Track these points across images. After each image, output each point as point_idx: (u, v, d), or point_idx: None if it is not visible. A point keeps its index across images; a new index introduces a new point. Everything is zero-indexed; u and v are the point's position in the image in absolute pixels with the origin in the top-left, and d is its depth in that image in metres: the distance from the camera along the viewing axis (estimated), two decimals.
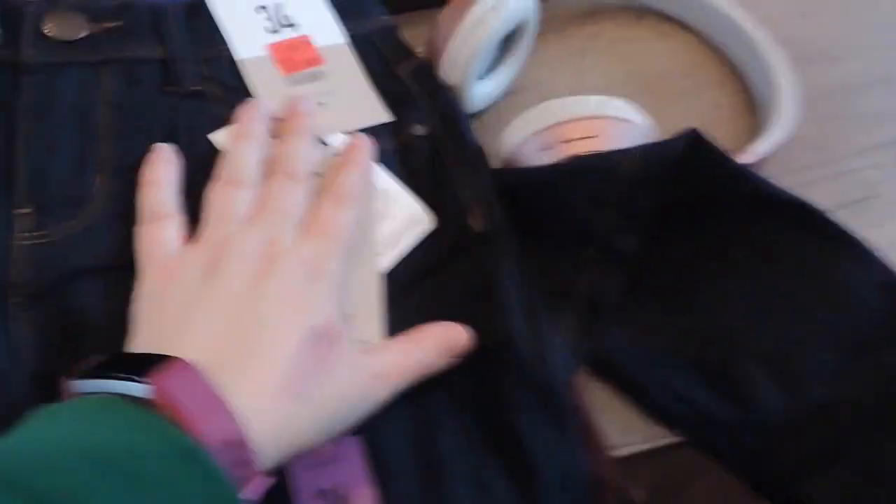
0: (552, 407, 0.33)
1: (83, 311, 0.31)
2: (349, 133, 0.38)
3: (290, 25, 0.40)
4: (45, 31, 0.37)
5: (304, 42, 0.40)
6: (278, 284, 0.29)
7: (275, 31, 0.40)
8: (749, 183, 0.37)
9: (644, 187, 0.35)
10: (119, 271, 0.32)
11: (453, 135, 0.39)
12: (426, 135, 0.39)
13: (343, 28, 0.42)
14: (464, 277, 0.35)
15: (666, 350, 0.37)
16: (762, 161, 0.41)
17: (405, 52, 0.43)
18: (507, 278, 0.35)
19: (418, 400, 0.32)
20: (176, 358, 0.25)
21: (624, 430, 0.35)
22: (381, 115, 0.39)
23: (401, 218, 0.36)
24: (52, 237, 0.33)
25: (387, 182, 0.37)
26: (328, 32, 0.41)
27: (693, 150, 0.35)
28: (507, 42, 0.46)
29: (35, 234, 0.33)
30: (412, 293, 0.35)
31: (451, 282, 0.35)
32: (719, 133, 0.45)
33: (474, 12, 0.41)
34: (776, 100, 0.43)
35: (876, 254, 0.37)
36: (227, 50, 0.39)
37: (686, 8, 0.50)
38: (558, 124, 0.37)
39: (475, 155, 0.38)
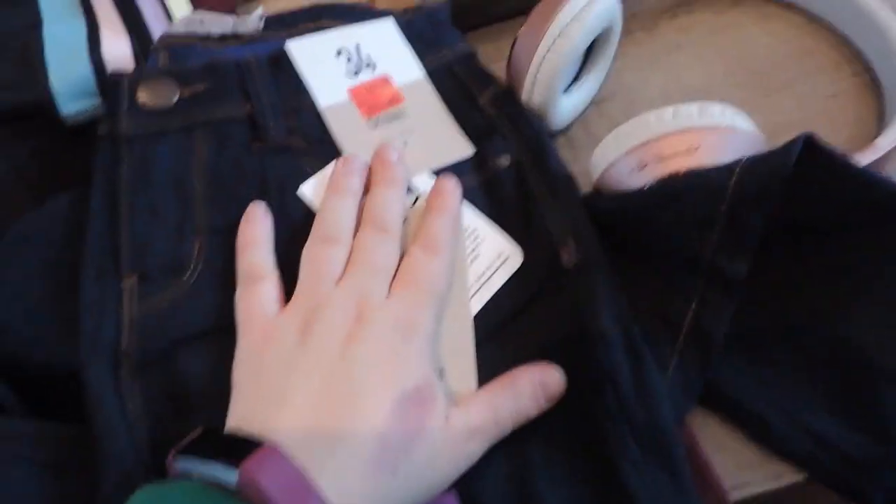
0: (662, 453, 0.30)
1: (190, 378, 0.32)
2: (434, 171, 0.38)
3: (370, 66, 0.40)
4: (139, 100, 0.38)
5: (383, 81, 0.40)
6: (369, 346, 0.29)
7: (355, 74, 0.40)
8: (877, 189, 0.32)
9: (753, 205, 0.32)
10: (221, 334, 0.33)
11: (540, 164, 0.37)
12: (511, 165, 0.38)
13: (420, 63, 0.41)
14: (558, 315, 0.34)
15: (789, 378, 0.33)
16: (890, 156, 0.37)
17: (486, 78, 0.41)
18: (606, 313, 0.33)
19: (514, 447, 0.31)
20: (266, 442, 0.25)
21: (742, 469, 0.32)
22: (464, 149, 0.39)
23: (490, 256, 0.35)
24: (157, 305, 0.34)
25: (473, 219, 0.36)
26: (407, 69, 0.41)
27: (808, 159, 0.32)
28: (592, 49, 0.44)
29: (141, 302, 0.34)
30: (502, 335, 0.34)
31: (545, 320, 0.34)
32: (837, 125, 0.41)
33: (555, 26, 0.39)
34: None
35: None
36: (310, 99, 0.39)
37: None
38: (653, 140, 0.34)
39: (564, 184, 0.37)
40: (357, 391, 0.28)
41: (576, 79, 0.44)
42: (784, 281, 0.35)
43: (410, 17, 0.43)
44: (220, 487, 0.24)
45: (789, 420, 0.33)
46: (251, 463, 0.24)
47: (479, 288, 0.34)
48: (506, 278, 0.35)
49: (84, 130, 0.41)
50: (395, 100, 0.40)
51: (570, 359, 0.32)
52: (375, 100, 0.39)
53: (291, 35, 0.42)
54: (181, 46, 0.42)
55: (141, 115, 0.38)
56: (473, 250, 0.35)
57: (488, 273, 0.35)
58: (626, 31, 0.47)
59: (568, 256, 0.35)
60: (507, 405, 0.30)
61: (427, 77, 0.41)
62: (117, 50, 0.42)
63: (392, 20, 0.42)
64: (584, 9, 0.39)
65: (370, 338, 0.29)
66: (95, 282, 0.34)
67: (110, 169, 0.37)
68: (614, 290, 0.33)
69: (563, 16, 0.39)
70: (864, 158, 0.36)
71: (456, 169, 0.38)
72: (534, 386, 0.31)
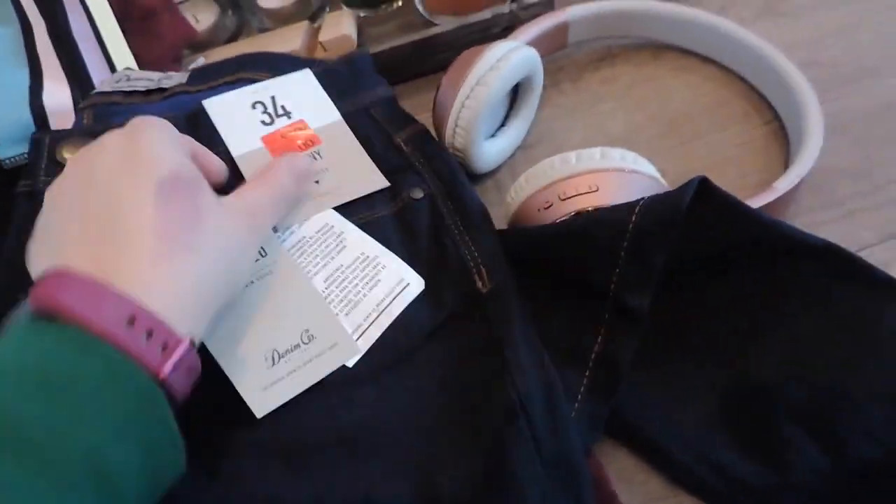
0: (569, 482, 0.30)
1: None
2: (346, 203, 0.39)
3: (285, 115, 0.41)
4: (59, 158, 0.38)
5: (298, 126, 0.41)
6: (107, 162, 0.30)
7: (270, 123, 0.41)
8: (766, 229, 0.34)
9: (653, 242, 0.33)
10: None
11: (453, 198, 0.39)
12: (424, 197, 0.39)
13: (335, 109, 0.42)
14: (471, 342, 0.34)
15: (692, 412, 0.34)
16: (791, 196, 0.38)
17: (403, 120, 0.43)
18: (519, 340, 0.34)
19: (422, 478, 0.31)
20: (52, 270, 0.26)
21: (649, 501, 0.33)
22: (377, 182, 0.39)
23: (390, 283, 0.36)
24: None
25: (375, 248, 0.37)
26: (323, 114, 0.42)
27: (702, 199, 0.33)
28: (516, 97, 0.46)
29: None
30: (414, 358, 0.34)
31: (458, 346, 0.34)
32: (746, 171, 0.43)
33: (474, 74, 0.41)
34: (803, 129, 0.41)
35: None
36: (226, 151, 0.40)
37: (704, 41, 0.48)
38: (558, 181, 0.36)
39: (478, 216, 0.38)
40: (115, 199, 0.29)
41: (502, 125, 0.46)
42: (689, 316, 0.36)
43: (331, 66, 0.44)
44: (33, 324, 0.26)
45: (691, 450, 0.34)
46: (42, 288, 0.26)
47: (379, 315, 0.35)
48: (404, 306, 0.35)
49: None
50: (310, 142, 0.40)
51: (484, 385, 0.33)
52: (289, 144, 0.40)
53: (213, 89, 0.43)
54: (105, 105, 0.43)
55: (59, 171, 0.37)
56: (374, 277, 0.36)
57: (388, 300, 0.35)
58: (554, 82, 0.50)
59: (482, 284, 0.35)
60: (273, 188, 0.35)
61: (342, 120, 0.42)
62: (58, 98, 0.44)
63: (309, 71, 0.43)
64: (501, 59, 0.41)
65: (106, 156, 0.30)
66: None
67: (24, 225, 0.36)
68: (527, 318, 0.34)
69: (482, 65, 0.41)
70: (762, 200, 0.37)
71: (369, 200, 0.39)
72: (289, 167, 0.36)
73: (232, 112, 0.41)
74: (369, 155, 0.41)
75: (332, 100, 0.43)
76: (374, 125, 0.42)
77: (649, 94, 0.48)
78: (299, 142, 0.40)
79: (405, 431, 0.33)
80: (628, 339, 0.34)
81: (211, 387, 0.31)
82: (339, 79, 0.44)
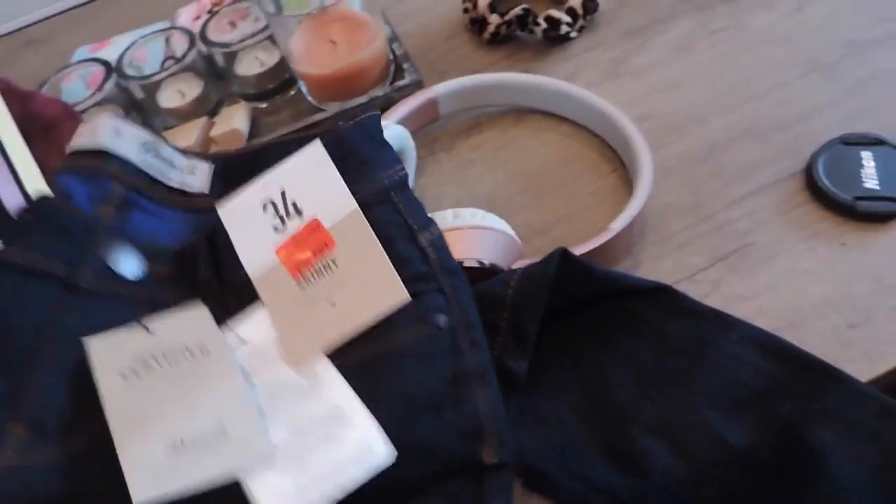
0: None
1: None
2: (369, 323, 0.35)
3: (298, 212, 0.39)
4: (107, 260, 0.39)
5: (312, 228, 0.38)
6: None
7: (282, 228, 0.38)
8: (614, 282, 0.40)
9: (528, 311, 0.38)
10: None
11: (468, 333, 0.36)
12: (448, 329, 0.35)
13: (350, 193, 0.38)
14: None
15: (564, 433, 0.39)
16: (626, 234, 0.44)
17: (424, 215, 0.39)
18: None
19: None
20: None
21: None
22: (398, 295, 0.35)
23: (352, 445, 0.31)
24: (34, 461, 0.33)
25: (345, 398, 0.33)
26: (337, 203, 0.38)
27: (562, 267, 0.39)
28: None
29: (23, 454, 0.33)
30: None
31: None
32: (596, 217, 0.49)
33: None
34: (636, 175, 0.47)
35: (735, 318, 0.40)
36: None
37: (558, 104, 0.55)
38: None
39: (488, 364, 0.35)
40: None
41: None
42: (550, 355, 0.41)
43: (343, 132, 0.41)
44: None
45: (566, 470, 0.38)
46: None
47: (329, 479, 0.31)
48: (366, 475, 0.31)
49: None
50: (324, 247, 0.38)
51: None
52: (303, 255, 0.38)
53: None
54: (135, 191, 0.43)
55: (106, 276, 0.39)
56: (335, 434, 0.32)
57: (344, 464, 0.31)
58: (431, 152, 0.55)
59: (489, 454, 0.34)
60: None
61: (358, 209, 0.38)
62: None
63: (319, 145, 0.40)
64: None
65: None
66: None
67: (52, 312, 0.37)
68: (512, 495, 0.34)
69: None
70: (600, 240, 0.43)
71: (390, 320, 0.35)
72: None
73: (244, 219, 0.39)
74: (389, 255, 0.36)
75: (347, 181, 0.39)
76: (396, 217, 0.38)
77: (512, 155, 0.54)
78: (308, 254, 0.38)
79: None
80: (510, 401, 0.38)
81: None
82: (353, 147, 0.40)
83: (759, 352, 0.38)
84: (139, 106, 0.61)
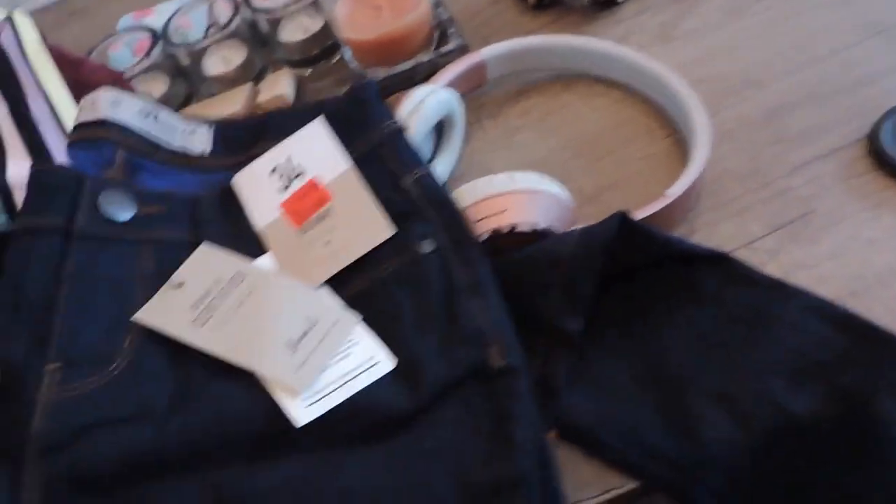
0: None
1: (98, 462, 0.35)
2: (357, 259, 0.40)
3: (299, 175, 0.44)
4: (99, 207, 0.42)
5: (311, 186, 0.44)
6: None
7: (286, 188, 0.44)
8: (673, 247, 0.40)
9: (584, 271, 0.38)
10: (136, 423, 0.36)
11: (462, 253, 0.39)
12: (433, 251, 0.39)
13: (346, 155, 0.44)
14: (476, 414, 0.35)
15: (618, 401, 0.38)
16: (683, 201, 0.43)
17: (411, 159, 0.43)
18: (525, 420, 0.34)
19: None
20: None
21: (579, 487, 0.36)
22: (384, 231, 0.40)
23: (360, 358, 0.37)
24: (77, 391, 0.37)
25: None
26: (334, 165, 0.44)
27: (622, 231, 0.38)
28: (442, 134, 0.51)
29: (61, 387, 0.37)
30: (415, 430, 0.35)
31: (463, 419, 0.35)
32: (650, 182, 0.47)
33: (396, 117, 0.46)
34: (693, 139, 0.45)
35: (795, 287, 0.39)
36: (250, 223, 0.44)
37: (609, 68, 0.53)
38: (471, 205, 0.41)
39: (487, 277, 0.38)
40: None
41: (430, 160, 0.51)
42: (606, 318, 0.40)
43: (341, 104, 0.46)
44: None
45: (620, 435, 0.37)
46: None
47: (340, 387, 0.37)
48: (369, 382, 0.36)
49: None
50: (322, 200, 0.43)
51: (487, 457, 0.34)
52: (304, 207, 0.43)
53: (238, 162, 0.47)
54: (136, 154, 0.46)
55: (98, 220, 0.42)
56: (347, 348, 0.38)
57: (353, 373, 0.37)
58: (476, 119, 0.55)
59: (495, 359, 0.36)
60: None
61: (353, 166, 0.43)
62: (21, 174, 0.48)
63: (320, 122, 0.45)
64: (420, 103, 0.46)
65: None
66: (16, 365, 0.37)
67: (55, 261, 0.40)
68: (532, 396, 0.35)
69: (402, 110, 0.46)
70: (655, 206, 0.42)
71: (375, 254, 0.40)
72: None
73: (254, 183, 0.45)
74: (377, 200, 0.42)
75: (345, 142, 0.44)
76: (381, 168, 0.43)
77: (561, 121, 0.53)
78: (307, 206, 0.44)
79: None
80: (562, 363, 0.38)
81: None
82: (347, 116, 0.45)
83: (821, 321, 0.37)
84: (184, 73, 0.61)
